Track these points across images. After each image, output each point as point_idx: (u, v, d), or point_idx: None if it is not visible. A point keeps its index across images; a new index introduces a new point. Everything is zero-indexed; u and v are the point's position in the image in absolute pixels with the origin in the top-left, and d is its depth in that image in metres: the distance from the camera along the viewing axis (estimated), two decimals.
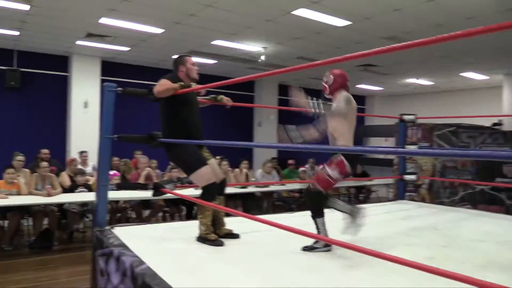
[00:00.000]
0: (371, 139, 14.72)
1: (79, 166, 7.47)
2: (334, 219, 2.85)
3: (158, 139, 3.17)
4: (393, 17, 6.28)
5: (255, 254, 2.74)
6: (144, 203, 6.86)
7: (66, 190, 6.49)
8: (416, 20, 6.40)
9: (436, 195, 7.92)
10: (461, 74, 10.51)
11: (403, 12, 6.07)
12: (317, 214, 2.80)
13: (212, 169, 3.07)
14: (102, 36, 7.80)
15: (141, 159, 7.47)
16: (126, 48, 8.80)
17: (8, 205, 5.62)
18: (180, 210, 7.38)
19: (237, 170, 8.21)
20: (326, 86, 3.00)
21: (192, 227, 3.13)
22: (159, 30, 7.34)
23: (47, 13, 6.49)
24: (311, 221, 2.83)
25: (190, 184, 4.17)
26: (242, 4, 5.96)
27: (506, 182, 7.28)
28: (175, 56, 3.33)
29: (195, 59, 3.36)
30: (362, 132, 15.00)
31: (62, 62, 9.51)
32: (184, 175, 7.05)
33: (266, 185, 7.64)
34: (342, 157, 2.73)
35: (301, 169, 9.36)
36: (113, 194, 5.44)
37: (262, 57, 8.64)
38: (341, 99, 2.86)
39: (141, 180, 7.06)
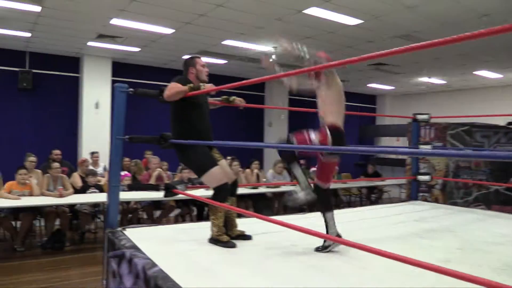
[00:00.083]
0: (382, 138, 14.61)
1: (90, 167, 7.49)
2: (346, 220, 2.81)
3: (169, 140, 3.14)
4: (406, 15, 6.20)
5: (268, 255, 2.70)
6: (155, 204, 6.86)
7: (77, 190, 6.52)
8: (429, 18, 6.31)
9: (450, 195, 7.82)
10: (475, 72, 10.37)
11: (415, 9, 5.98)
12: (326, 209, 2.84)
13: (223, 170, 3.05)
14: (113, 37, 7.82)
15: (152, 160, 7.46)
16: (137, 49, 8.82)
17: (21, 206, 5.67)
18: (191, 210, 7.37)
19: (248, 170, 8.19)
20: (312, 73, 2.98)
21: (204, 229, 3.10)
22: (169, 31, 7.34)
23: (59, 14, 6.52)
24: (323, 222, 2.82)
25: (201, 185, 4.15)
26: (253, 4, 5.92)
27: None
28: (186, 57, 3.31)
29: (205, 59, 3.34)
30: (373, 131, 14.92)
31: (73, 63, 9.56)
32: (195, 176, 7.07)
33: (277, 186, 7.60)
34: (327, 130, 2.73)
35: (312, 169, 9.29)
36: (124, 195, 5.44)
37: (273, 57, 8.61)
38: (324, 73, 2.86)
39: (152, 181, 7.06)
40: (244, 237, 3.07)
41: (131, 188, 6.71)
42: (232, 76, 10.84)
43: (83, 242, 6.50)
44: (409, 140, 7.37)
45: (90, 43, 8.36)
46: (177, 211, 7.09)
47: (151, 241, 2.95)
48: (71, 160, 8.23)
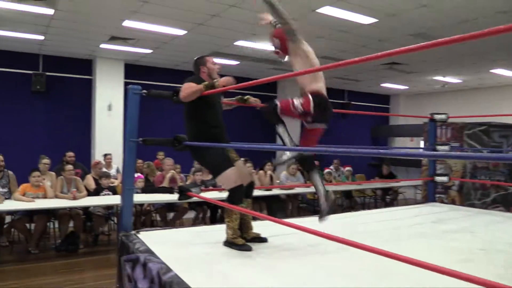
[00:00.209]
0: (396, 139, 14.45)
1: (104, 169, 7.50)
2: (362, 221, 2.73)
3: (183, 143, 3.09)
4: (420, 13, 6.10)
5: (285, 258, 2.64)
6: (169, 206, 6.84)
7: (91, 193, 6.52)
8: (444, 16, 6.20)
9: (467, 196, 7.66)
10: (491, 71, 10.19)
11: (430, 8, 5.88)
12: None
13: (240, 171, 2.99)
14: (125, 39, 7.83)
15: (166, 161, 7.43)
16: (149, 51, 8.83)
17: (35, 208, 5.68)
18: (205, 211, 7.34)
19: (261, 172, 8.13)
20: (279, 50, 3.05)
21: (218, 231, 3.05)
22: (181, 32, 7.32)
23: (71, 17, 6.54)
24: (339, 224, 2.76)
25: (214, 187, 4.10)
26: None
27: None
28: (196, 58, 3.26)
29: (217, 60, 3.29)
30: (386, 131, 14.77)
31: (86, 66, 9.62)
32: (208, 178, 7.04)
33: (291, 188, 7.52)
34: (311, 98, 2.74)
35: (326, 170, 9.22)
36: (138, 198, 5.42)
37: (286, 57, 8.53)
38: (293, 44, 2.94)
39: (166, 183, 7.03)
40: (260, 239, 3.00)
41: (145, 191, 6.70)
42: (245, 77, 10.79)
43: (96, 245, 6.50)
44: (425, 140, 7.24)
45: (102, 45, 8.39)
46: (192, 214, 7.07)
47: (165, 245, 2.90)
48: (84, 162, 8.26)
